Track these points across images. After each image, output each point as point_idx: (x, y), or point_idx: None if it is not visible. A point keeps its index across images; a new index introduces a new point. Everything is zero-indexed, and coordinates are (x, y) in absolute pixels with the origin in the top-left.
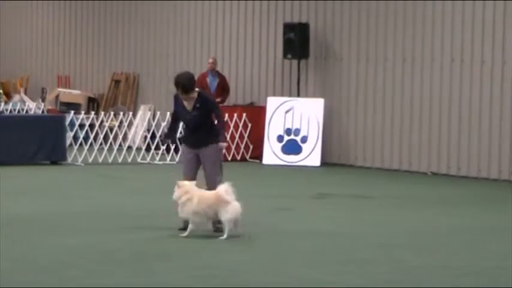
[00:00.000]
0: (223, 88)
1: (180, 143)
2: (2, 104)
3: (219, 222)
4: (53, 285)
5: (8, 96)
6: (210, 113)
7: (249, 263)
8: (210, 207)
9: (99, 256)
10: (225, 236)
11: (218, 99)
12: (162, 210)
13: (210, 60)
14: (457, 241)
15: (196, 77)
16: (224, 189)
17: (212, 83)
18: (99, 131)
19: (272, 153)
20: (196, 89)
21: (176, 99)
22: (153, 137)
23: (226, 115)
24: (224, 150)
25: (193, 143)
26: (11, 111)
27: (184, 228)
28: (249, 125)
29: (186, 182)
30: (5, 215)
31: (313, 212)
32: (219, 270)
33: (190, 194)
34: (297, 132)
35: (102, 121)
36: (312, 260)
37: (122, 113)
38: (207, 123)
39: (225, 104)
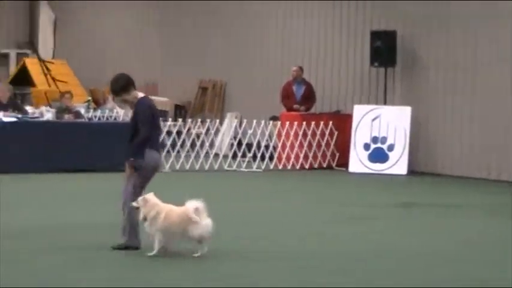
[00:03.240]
0: (309, 96)
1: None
2: (91, 111)
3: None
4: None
5: (97, 103)
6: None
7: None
8: (177, 225)
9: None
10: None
11: (303, 107)
12: (249, 217)
13: (294, 68)
14: None
15: (282, 85)
16: (194, 206)
17: (298, 91)
18: (186, 138)
19: (358, 161)
20: (139, 95)
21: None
22: (239, 144)
23: (313, 123)
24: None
25: (125, 154)
26: (100, 118)
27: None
28: (335, 132)
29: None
30: (95, 221)
31: (397, 222)
32: None
33: (159, 208)
34: (383, 140)
35: (189, 128)
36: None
37: (208, 121)
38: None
39: (311, 111)
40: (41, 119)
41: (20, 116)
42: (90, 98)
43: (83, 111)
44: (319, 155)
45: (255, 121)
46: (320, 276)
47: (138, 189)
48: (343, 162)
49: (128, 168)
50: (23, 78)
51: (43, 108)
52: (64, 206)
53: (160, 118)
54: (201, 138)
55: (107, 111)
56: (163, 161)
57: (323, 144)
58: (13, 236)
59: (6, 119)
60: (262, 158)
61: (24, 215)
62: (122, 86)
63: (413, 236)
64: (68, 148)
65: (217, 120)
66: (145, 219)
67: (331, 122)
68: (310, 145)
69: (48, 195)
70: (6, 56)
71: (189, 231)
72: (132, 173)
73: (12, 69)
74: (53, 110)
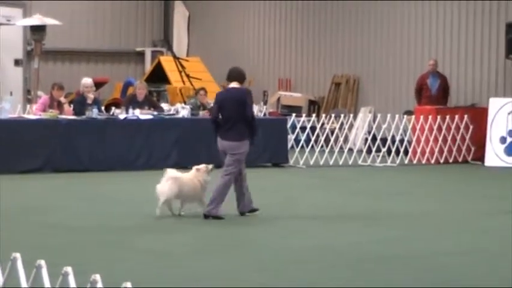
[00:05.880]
0: (445, 89)
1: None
2: None
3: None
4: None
5: None
6: None
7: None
8: None
9: (329, 257)
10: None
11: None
12: (385, 212)
13: (431, 62)
14: None
15: (416, 79)
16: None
17: (433, 84)
18: (320, 133)
19: (494, 155)
20: (228, 87)
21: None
22: (373, 139)
23: (448, 117)
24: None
25: None
26: None
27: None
28: (471, 126)
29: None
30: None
31: None
32: None
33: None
34: None
35: (323, 124)
36: None
37: (342, 116)
38: None
39: (447, 105)
40: (176, 116)
41: (155, 113)
42: None
43: None
44: (454, 149)
45: (389, 115)
46: None
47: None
48: (479, 156)
49: None
50: (158, 76)
51: (178, 105)
52: None
53: (294, 114)
54: (334, 134)
55: None
56: (226, 145)
57: (458, 138)
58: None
59: (142, 117)
60: (397, 152)
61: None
62: None
63: None
64: (203, 144)
65: (351, 115)
66: None
67: (466, 116)
68: (445, 139)
69: None
70: (141, 54)
71: None
72: None
73: (148, 67)
74: (188, 107)
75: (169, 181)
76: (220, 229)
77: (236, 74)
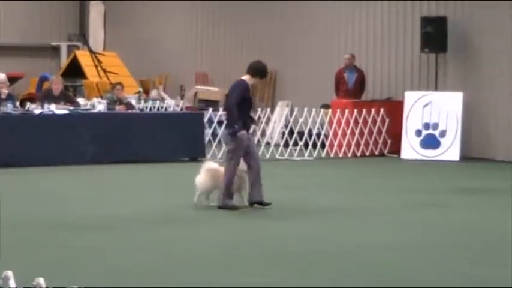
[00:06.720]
0: (362, 83)
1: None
2: (142, 101)
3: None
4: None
5: (148, 93)
6: None
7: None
8: None
9: (252, 253)
10: None
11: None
12: (303, 207)
13: (347, 56)
14: None
15: (333, 73)
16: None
17: (350, 78)
18: None
19: (410, 148)
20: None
21: (248, 87)
22: (290, 133)
23: (364, 110)
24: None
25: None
26: (150, 108)
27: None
28: (387, 120)
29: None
30: (142, 211)
31: (459, 207)
32: None
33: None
34: (435, 126)
35: None
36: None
37: (259, 109)
38: None
39: (362, 99)
40: (92, 111)
41: (71, 108)
42: (141, 89)
43: (134, 102)
44: (371, 142)
45: (306, 109)
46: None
47: None
48: (395, 149)
49: None
50: (74, 71)
51: (95, 100)
52: (112, 198)
53: (211, 108)
54: (252, 128)
55: (158, 102)
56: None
57: (374, 131)
58: (67, 227)
59: (58, 112)
60: (314, 146)
61: (78, 207)
62: None
63: (487, 220)
64: (119, 139)
65: (268, 109)
66: None
67: (382, 109)
68: (361, 132)
69: (96, 186)
70: (57, 49)
71: None
72: None
73: (64, 61)
74: (105, 102)
75: (206, 173)
76: (142, 227)
77: (249, 67)
